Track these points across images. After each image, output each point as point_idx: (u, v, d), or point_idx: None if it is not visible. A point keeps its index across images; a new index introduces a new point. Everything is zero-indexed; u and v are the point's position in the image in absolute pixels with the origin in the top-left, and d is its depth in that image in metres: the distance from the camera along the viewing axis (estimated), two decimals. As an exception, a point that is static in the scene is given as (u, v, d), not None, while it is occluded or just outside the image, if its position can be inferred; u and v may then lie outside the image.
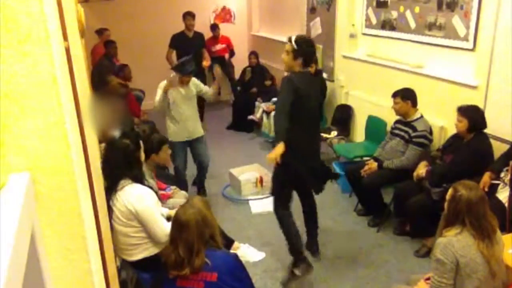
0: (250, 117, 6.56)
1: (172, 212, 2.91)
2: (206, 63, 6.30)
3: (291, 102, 3.01)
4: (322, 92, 5.49)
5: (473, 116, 3.34)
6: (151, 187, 2.77)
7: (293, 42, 3.12)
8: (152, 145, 3.25)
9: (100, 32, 6.71)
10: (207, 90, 4.28)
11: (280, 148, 2.99)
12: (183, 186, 4.17)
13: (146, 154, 3.07)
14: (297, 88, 3.03)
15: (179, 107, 4.11)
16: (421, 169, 3.56)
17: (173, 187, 3.70)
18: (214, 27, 7.54)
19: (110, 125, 2.60)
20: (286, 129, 3.00)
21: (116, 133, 2.67)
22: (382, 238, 3.81)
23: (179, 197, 3.52)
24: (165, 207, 3.06)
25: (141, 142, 2.88)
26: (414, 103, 3.86)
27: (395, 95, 3.90)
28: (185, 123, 4.16)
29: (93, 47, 6.65)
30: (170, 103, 4.07)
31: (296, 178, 3.25)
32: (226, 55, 7.70)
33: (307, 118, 3.15)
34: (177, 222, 2.09)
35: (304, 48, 3.12)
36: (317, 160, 3.39)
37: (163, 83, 4.07)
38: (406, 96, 3.84)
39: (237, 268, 2.13)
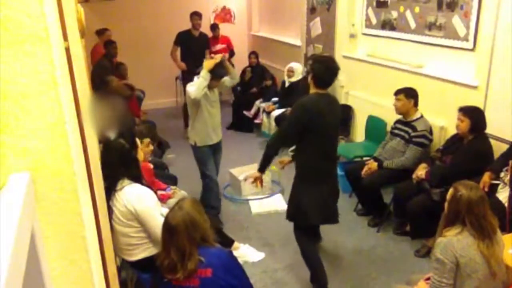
0: (245, 113, 6.58)
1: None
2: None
3: (297, 126, 2.89)
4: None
5: (475, 117, 3.35)
6: (149, 187, 2.77)
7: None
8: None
9: (100, 32, 6.70)
10: (226, 78, 4.04)
11: (257, 174, 3.15)
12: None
13: None
14: (307, 110, 2.86)
15: (209, 110, 3.90)
16: (420, 171, 3.56)
17: (173, 187, 3.70)
18: (214, 27, 7.55)
19: (110, 125, 2.60)
20: (273, 156, 3.05)
21: (111, 134, 2.66)
22: (382, 238, 3.81)
23: (179, 197, 3.52)
24: (165, 207, 3.06)
25: (138, 141, 2.87)
26: (416, 103, 3.87)
27: (398, 92, 3.90)
28: (214, 126, 3.97)
29: (93, 46, 6.65)
30: (202, 105, 3.83)
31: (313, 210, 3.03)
32: (226, 55, 7.71)
33: (323, 141, 2.96)
34: (167, 227, 2.08)
35: (314, 67, 2.92)
36: (334, 185, 3.15)
37: (204, 76, 3.69)
38: (410, 94, 3.85)
39: (232, 263, 2.12)
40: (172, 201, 3.35)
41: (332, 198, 3.11)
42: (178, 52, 6.52)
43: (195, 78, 3.82)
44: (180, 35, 6.50)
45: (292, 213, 3.13)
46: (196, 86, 3.69)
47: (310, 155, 2.97)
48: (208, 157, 4.01)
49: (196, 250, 2.03)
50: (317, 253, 3.20)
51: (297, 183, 3.09)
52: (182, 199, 2.26)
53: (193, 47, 6.41)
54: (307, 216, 3.01)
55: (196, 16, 6.51)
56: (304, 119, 2.86)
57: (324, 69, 2.91)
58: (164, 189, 3.55)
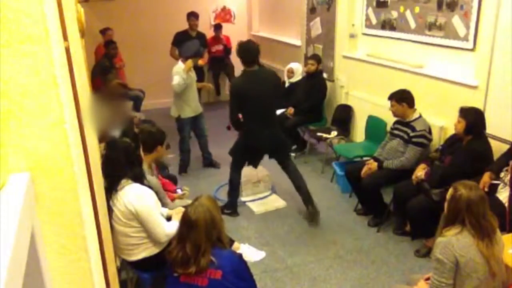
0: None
1: (171, 212, 2.91)
2: (202, 61, 6.66)
3: (236, 102, 3.76)
4: (320, 92, 5.50)
5: (471, 119, 3.33)
6: (150, 187, 2.77)
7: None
8: (155, 138, 3.27)
9: (103, 31, 6.72)
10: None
11: None
12: (184, 159, 4.97)
13: (147, 149, 3.10)
14: (239, 89, 3.77)
15: (192, 88, 4.84)
16: (420, 172, 3.56)
17: (186, 187, 3.69)
18: (217, 27, 7.56)
19: (110, 125, 2.61)
20: (238, 123, 3.92)
21: (116, 132, 2.68)
22: (382, 238, 3.81)
23: (186, 197, 3.51)
24: (170, 208, 3.06)
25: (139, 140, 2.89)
26: (411, 104, 3.84)
27: (389, 98, 3.89)
28: (195, 101, 4.92)
29: (97, 46, 6.66)
30: (188, 84, 4.72)
31: (254, 153, 4.06)
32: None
33: (257, 111, 3.79)
34: (186, 221, 2.10)
35: (238, 50, 3.75)
36: (275, 140, 3.96)
37: (178, 68, 4.67)
38: (400, 98, 3.83)
39: (242, 268, 2.14)
40: (178, 202, 3.34)
41: (272, 142, 3.96)
42: (177, 52, 6.52)
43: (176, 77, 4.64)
44: (178, 35, 6.54)
45: (234, 150, 4.14)
46: (177, 82, 4.65)
47: (249, 118, 3.85)
48: (186, 125, 4.95)
49: (210, 247, 2.06)
50: (239, 183, 4.26)
51: (244, 132, 4.02)
52: (200, 196, 2.27)
53: None
54: (248, 153, 4.04)
55: (192, 17, 6.58)
56: (236, 95, 3.77)
57: (244, 50, 3.73)
58: (173, 191, 3.54)
